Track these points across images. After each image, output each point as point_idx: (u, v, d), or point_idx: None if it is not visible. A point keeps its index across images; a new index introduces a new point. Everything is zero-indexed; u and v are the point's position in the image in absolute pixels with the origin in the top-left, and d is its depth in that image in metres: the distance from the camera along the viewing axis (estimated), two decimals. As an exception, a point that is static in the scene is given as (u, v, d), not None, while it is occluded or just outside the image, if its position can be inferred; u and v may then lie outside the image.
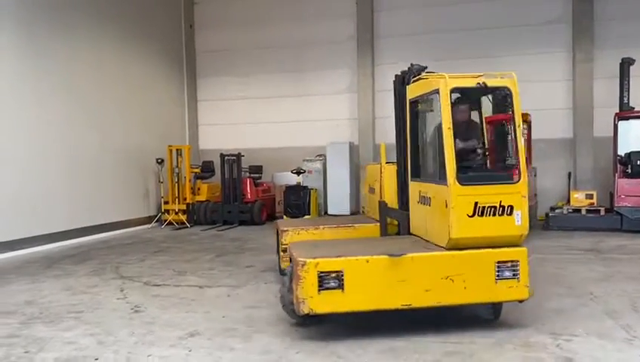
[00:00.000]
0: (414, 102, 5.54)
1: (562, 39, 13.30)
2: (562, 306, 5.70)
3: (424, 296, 4.59)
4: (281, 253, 6.67)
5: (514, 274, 4.66)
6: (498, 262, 4.65)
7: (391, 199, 6.40)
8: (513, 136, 4.89)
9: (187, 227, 13.35)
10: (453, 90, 4.79)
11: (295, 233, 6.39)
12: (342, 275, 4.44)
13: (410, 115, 5.61)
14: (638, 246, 9.41)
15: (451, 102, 4.86)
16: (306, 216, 13.24)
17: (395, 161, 6.16)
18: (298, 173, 13.64)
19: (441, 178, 4.79)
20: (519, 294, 4.72)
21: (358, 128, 14.83)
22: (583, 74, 13.08)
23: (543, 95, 12.84)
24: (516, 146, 4.87)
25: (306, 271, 4.42)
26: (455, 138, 4.78)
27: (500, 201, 4.63)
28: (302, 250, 4.90)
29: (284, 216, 13.47)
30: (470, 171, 4.92)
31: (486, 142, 5.58)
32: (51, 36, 10.90)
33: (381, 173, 6.78)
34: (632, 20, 12.86)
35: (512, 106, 4.86)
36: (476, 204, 4.60)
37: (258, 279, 7.29)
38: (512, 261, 4.67)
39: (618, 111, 11.43)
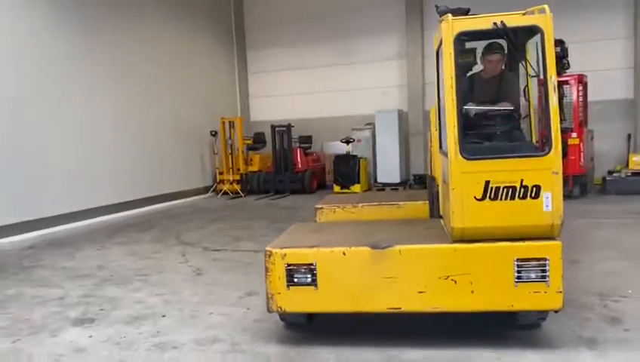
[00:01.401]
0: (437, 54, 4.43)
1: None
2: (614, 269, 5.68)
3: (417, 299, 3.72)
4: None
5: (542, 276, 3.61)
6: (518, 260, 3.63)
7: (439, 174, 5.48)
8: (544, 93, 3.68)
9: (241, 196, 13.83)
10: (460, 36, 3.72)
11: (331, 211, 5.55)
12: (314, 269, 3.78)
13: (437, 70, 4.48)
14: (700, 209, 9.08)
15: (466, 51, 3.93)
16: (356, 185, 13.45)
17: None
18: (347, 142, 13.77)
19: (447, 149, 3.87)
20: (548, 302, 3.65)
21: (407, 95, 14.75)
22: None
23: (599, 55, 12.34)
24: (548, 106, 3.65)
25: (273, 263, 3.85)
26: (478, 98, 3.96)
27: (522, 180, 3.59)
28: (287, 236, 4.37)
29: (334, 186, 13.73)
30: (491, 141, 4.07)
31: (531, 103, 4.60)
32: (103, 17, 11.32)
33: (431, 142, 5.81)
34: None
35: (544, 52, 3.64)
36: (487, 183, 3.61)
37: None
38: (538, 259, 3.61)
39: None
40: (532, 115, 4.58)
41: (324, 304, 3.86)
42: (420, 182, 13.39)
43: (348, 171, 13.55)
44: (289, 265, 3.83)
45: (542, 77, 3.68)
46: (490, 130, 4.18)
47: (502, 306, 3.71)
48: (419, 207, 5.47)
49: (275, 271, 3.86)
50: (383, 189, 13.63)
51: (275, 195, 13.66)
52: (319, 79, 15.65)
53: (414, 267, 3.73)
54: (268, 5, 16.07)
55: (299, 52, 15.84)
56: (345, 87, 15.32)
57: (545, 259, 3.59)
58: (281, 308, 3.90)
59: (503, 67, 4.54)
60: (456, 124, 3.65)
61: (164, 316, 4.83)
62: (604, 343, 3.83)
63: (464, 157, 3.63)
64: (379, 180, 13.89)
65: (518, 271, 3.61)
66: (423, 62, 14.53)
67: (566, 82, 10.31)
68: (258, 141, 15.15)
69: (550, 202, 3.58)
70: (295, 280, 3.83)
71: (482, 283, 3.65)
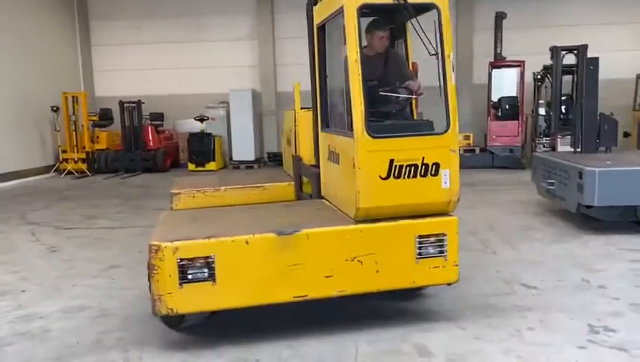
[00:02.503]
0: (322, 29, 4.33)
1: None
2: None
3: (324, 284, 3.58)
4: None
5: (440, 252, 3.69)
6: (419, 237, 3.67)
7: (307, 153, 5.30)
8: (441, 72, 3.68)
9: (88, 175, 13.23)
10: (362, 8, 3.60)
11: (189, 197, 5.06)
12: (212, 262, 3.39)
13: (318, 45, 4.40)
14: (503, 179, 10.92)
15: (366, 28, 3.86)
16: (211, 163, 13.64)
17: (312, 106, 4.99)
18: (201, 120, 13.86)
19: (350, 128, 3.71)
20: (446, 276, 3.74)
21: (259, 76, 15.17)
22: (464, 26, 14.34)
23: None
24: (445, 85, 3.67)
25: (161, 259, 3.34)
26: (365, 75, 3.64)
27: (423, 158, 3.62)
28: (166, 227, 3.87)
29: (189, 164, 13.77)
30: (387, 119, 4.01)
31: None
32: None
33: (295, 121, 5.53)
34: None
35: (441, 31, 3.66)
36: (392, 162, 3.58)
37: (169, 219, 7.71)
38: (437, 234, 3.68)
39: (492, 60, 12.79)
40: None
41: (224, 300, 3.47)
42: (274, 160, 14.02)
43: (203, 149, 13.69)
44: (182, 259, 3.36)
45: (440, 55, 3.67)
46: (386, 109, 4.12)
47: (405, 283, 3.76)
48: (284, 189, 5.36)
49: (164, 269, 3.35)
50: (239, 167, 14.04)
51: (126, 174, 13.30)
52: (170, 55, 15.36)
53: (321, 251, 3.57)
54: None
55: (148, 26, 15.37)
56: (197, 65, 15.25)
57: (444, 235, 3.69)
58: (172, 309, 3.39)
59: (390, 44, 4.45)
60: (362, 101, 3.54)
61: (24, 291, 4.77)
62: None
63: (371, 136, 3.54)
64: (234, 158, 14.23)
65: (419, 248, 3.67)
66: (274, 44, 15.04)
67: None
68: (105, 118, 14.52)
69: (448, 179, 3.67)
70: (189, 276, 3.37)
71: (386, 262, 3.64)
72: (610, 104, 10.67)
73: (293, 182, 5.37)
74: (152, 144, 13.93)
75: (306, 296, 3.57)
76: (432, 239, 3.68)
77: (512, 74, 12.70)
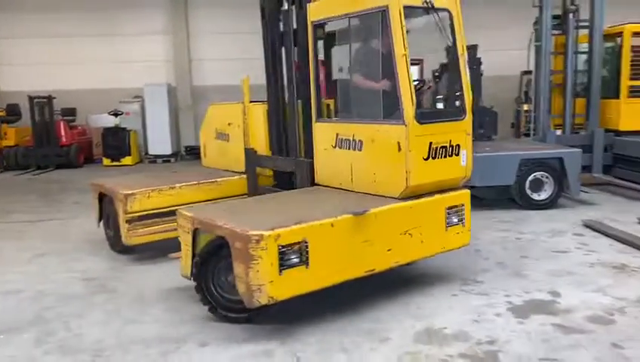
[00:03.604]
0: (319, 26, 4.68)
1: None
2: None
3: (386, 257, 3.97)
4: (126, 225, 5.11)
5: (459, 220, 4.37)
6: (448, 208, 4.30)
7: (261, 146, 5.51)
8: (457, 68, 4.40)
9: (-3, 172, 12.86)
10: (405, 8, 4.03)
11: (144, 196, 5.06)
12: (306, 247, 3.51)
13: (317, 42, 4.71)
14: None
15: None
16: (127, 158, 13.69)
17: (267, 99, 5.34)
18: (116, 114, 13.82)
19: (388, 116, 4.17)
20: (464, 240, 4.47)
21: (174, 71, 15.31)
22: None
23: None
24: (460, 79, 4.42)
25: (263, 248, 3.35)
26: (366, 71, 4.29)
27: (450, 141, 4.23)
28: (233, 217, 3.80)
29: (104, 159, 13.73)
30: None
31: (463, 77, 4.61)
32: None
33: (244, 114, 5.54)
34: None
35: (454, 31, 4.32)
36: (430, 144, 4.11)
37: (89, 211, 7.85)
38: (458, 205, 4.37)
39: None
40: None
41: (315, 282, 3.61)
42: (191, 153, 14.31)
43: (118, 144, 13.68)
44: (282, 246, 3.41)
45: (457, 54, 4.35)
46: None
47: (438, 249, 4.33)
48: (237, 183, 5.55)
49: (266, 258, 3.36)
50: (155, 161, 14.17)
51: (38, 170, 13.05)
52: (82, 49, 15.04)
53: (384, 227, 3.94)
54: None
55: (56, 18, 14.97)
56: (110, 59, 15.08)
57: (462, 205, 4.37)
58: (272, 297, 3.42)
59: None
60: (411, 91, 3.96)
61: (-47, 281, 4.95)
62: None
63: (418, 122, 3.98)
64: (150, 152, 14.32)
65: (448, 217, 4.29)
66: (188, 38, 15.22)
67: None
68: (12, 113, 14.10)
69: (465, 158, 4.34)
70: (288, 262, 3.45)
71: (427, 232, 4.17)
72: (502, 97, 11.89)
73: (244, 176, 5.53)
74: (64, 140, 13.70)
75: (374, 269, 3.90)
76: (456, 209, 4.34)
77: (413, 70, 13.75)
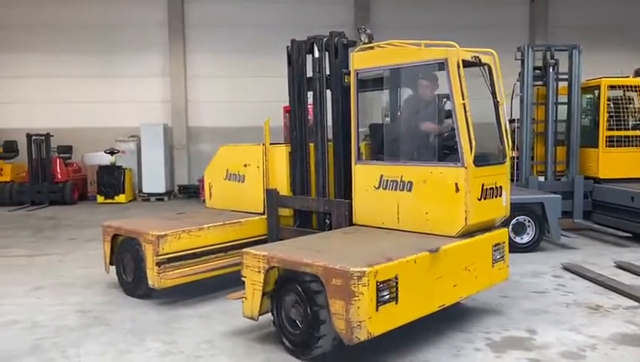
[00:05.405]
0: (362, 73, 4.92)
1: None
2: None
3: (453, 292, 4.17)
4: (156, 267, 4.99)
5: (501, 256, 4.68)
6: (494, 245, 4.59)
7: (283, 186, 5.61)
8: (497, 115, 4.88)
9: (-10, 208, 12.97)
10: (462, 62, 4.39)
11: (175, 238, 5.01)
12: (396, 283, 3.59)
13: (358, 88, 4.91)
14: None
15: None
16: (121, 195, 13.89)
17: (289, 141, 5.59)
18: (112, 153, 14.12)
19: (443, 159, 4.50)
20: (504, 275, 4.80)
21: (171, 111, 15.68)
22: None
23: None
24: (500, 126, 4.84)
25: (364, 285, 3.38)
26: (421, 116, 4.75)
27: (495, 182, 4.54)
28: (316, 257, 3.74)
29: (98, 196, 13.92)
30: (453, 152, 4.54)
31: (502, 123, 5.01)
32: None
33: (265, 155, 5.69)
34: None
35: (493, 84, 4.81)
36: (482, 185, 4.39)
37: (84, 248, 8.07)
38: (501, 243, 4.67)
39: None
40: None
41: (403, 317, 3.72)
42: (184, 192, 14.55)
43: (113, 182, 13.93)
44: (379, 283, 3.48)
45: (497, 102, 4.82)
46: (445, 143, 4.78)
47: (486, 284, 4.62)
48: (257, 223, 5.61)
49: (367, 294, 3.40)
50: (149, 199, 14.37)
51: (32, 206, 13.20)
52: (79, 89, 15.43)
53: (452, 264, 4.13)
54: (20, 8, 15.28)
55: (57, 60, 15.41)
56: (108, 99, 15.45)
57: (504, 243, 4.71)
58: (370, 333, 3.45)
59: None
60: (472, 137, 4.29)
61: (-48, 311, 5.08)
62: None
63: (475, 165, 4.27)
64: (144, 190, 14.54)
65: (494, 254, 4.58)
66: (185, 81, 15.69)
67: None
68: (9, 150, 14.37)
69: (505, 198, 4.71)
70: (383, 299, 3.51)
71: (479, 268, 4.42)
72: (487, 146, 12.20)
73: (264, 217, 5.59)
74: (59, 176, 13.93)
75: (444, 304, 4.09)
76: (499, 246, 4.64)
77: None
